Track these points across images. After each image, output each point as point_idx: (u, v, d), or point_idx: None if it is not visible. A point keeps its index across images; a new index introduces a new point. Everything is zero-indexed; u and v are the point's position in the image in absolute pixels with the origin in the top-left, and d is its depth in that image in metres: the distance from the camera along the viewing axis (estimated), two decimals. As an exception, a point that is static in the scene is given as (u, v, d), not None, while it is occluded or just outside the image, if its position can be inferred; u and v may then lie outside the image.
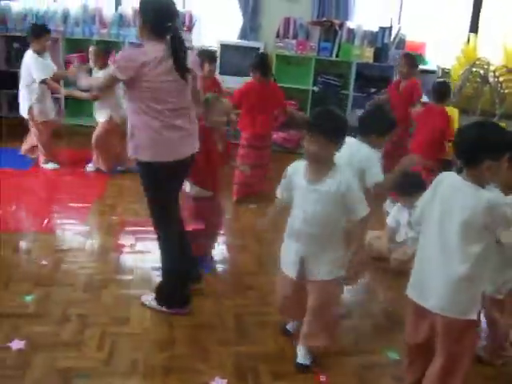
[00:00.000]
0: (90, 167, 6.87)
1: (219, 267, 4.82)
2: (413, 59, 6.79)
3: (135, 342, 3.67)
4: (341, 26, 7.89)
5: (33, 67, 6.53)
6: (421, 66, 7.97)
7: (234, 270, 4.77)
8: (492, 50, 8.05)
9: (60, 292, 4.17)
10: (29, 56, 6.58)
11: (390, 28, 7.88)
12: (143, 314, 3.98)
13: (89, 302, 4.08)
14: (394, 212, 5.05)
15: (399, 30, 7.89)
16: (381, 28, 7.88)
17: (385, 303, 4.40)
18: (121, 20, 8.36)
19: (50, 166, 6.86)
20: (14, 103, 8.86)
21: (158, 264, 4.11)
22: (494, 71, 7.83)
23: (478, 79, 7.72)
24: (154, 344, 3.67)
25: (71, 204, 5.83)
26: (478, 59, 7.81)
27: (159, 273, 4.13)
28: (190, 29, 8.21)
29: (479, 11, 8.37)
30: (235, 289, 4.42)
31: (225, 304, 4.17)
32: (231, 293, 4.35)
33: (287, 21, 8.05)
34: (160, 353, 3.59)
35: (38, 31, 6.62)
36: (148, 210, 3.91)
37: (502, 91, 7.82)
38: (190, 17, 8.33)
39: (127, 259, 4.79)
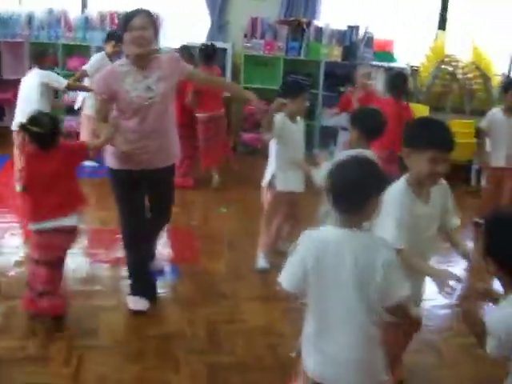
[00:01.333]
0: None
1: (191, 274, 4.72)
2: None
3: (104, 355, 3.57)
4: (308, 24, 7.84)
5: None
6: (389, 64, 7.98)
7: (206, 278, 4.67)
8: (460, 47, 8.07)
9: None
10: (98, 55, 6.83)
11: (358, 26, 7.85)
12: (111, 325, 3.88)
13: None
14: None
15: (367, 28, 7.86)
16: (349, 27, 7.85)
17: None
18: (87, 23, 8.24)
19: None
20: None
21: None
22: (462, 68, 7.85)
23: (448, 76, 7.73)
24: (123, 356, 3.57)
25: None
26: (447, 56, 7.84)
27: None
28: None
29: (447, 8, 8.37)
30: (207, 297, 4.34)
31: (196, 313, 4.08)
32: (203, 301, 4.27)
33: (254, 21, 7.98)
34: (130, 365, 3.50)
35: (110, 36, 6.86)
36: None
37: (470, 88, 7.84)
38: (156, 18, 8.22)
39: (96, 269, 4.69)
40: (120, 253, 4.46)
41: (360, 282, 2.33)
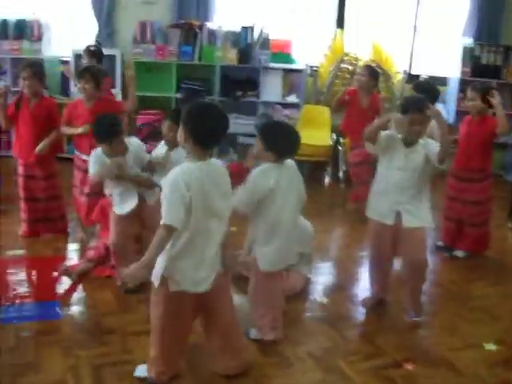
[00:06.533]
0: None
1: (71, 310, 4.13)
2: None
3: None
4: (201, 27, 7.42)
5: None
6: (289, 65, 7.67)
7: (91, 312, 4.14)
8: (359, 45, 7.87)
9: None
10: None
11: (253, 27, 7.48)
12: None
13: None
14: None
15: (263, 28, 7.51)
16: (243, 28, 7.47)
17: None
18: None
19: None
20: None
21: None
22: (362, 66, 7.61)
23: (347, 75, 7.48)
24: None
25: None
26: (346, 55, 7.60)
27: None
28: (39, 38, 7.53)
29: (344, 6, 8.14)
30: (92, 335, 3.82)
31: (79, 356, 3.57)
32: (87, 341, 3.75)
33: (143, 25, 7.50)
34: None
35: None
36: None
37: (372, 87, 7.60)
38: (39, 25, 7.62)
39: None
40: None
41: None
